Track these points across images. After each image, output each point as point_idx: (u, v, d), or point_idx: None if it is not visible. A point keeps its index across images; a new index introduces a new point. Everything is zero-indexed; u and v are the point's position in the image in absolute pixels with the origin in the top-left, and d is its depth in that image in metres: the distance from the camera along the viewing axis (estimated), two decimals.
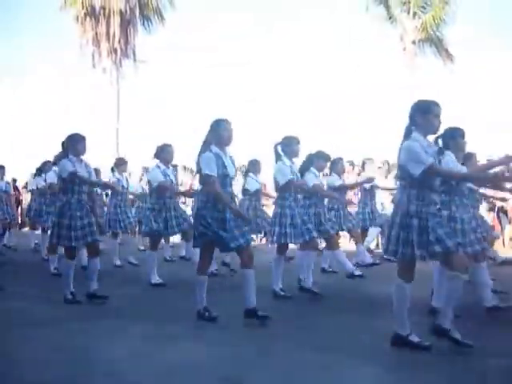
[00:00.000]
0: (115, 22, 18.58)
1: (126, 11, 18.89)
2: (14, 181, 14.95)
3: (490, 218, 9.60)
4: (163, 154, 6.31)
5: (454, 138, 4.49)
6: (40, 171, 8.55)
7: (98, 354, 3.57)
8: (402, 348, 3.55)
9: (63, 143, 5.29)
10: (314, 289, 5.53)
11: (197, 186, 7.68)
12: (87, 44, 18.95)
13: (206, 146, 4.37)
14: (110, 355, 3.52)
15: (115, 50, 18.94)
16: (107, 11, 18.56)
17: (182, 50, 32.55)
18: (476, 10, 19.26)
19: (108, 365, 3.33)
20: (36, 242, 9.45)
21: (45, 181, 8.13)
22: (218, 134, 4.35)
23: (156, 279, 6.09)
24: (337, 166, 6.92)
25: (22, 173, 14.58)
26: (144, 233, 7.14)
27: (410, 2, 17.10)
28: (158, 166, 6.32)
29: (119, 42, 18.86)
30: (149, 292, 5.76)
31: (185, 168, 11.76)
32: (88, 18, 18.61)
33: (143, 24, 19.42)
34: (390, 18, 17.58)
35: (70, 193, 5.10)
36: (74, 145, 5.16)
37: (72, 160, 5.10)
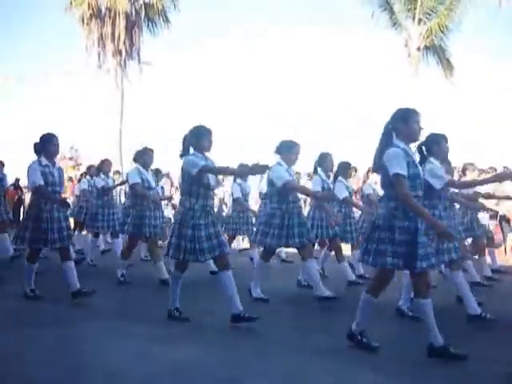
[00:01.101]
0: (120, 23, 18.66)
1: (131, 13, 18.98)
2: (18, 180, 15.00)
3: (492, 225, 9.56)
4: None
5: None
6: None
7: (98, 354, 3.56)
8: (401, 352, 3.54)
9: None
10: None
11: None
12: (93, 45, 19.05)
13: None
14: (110, 355, 3.52)
15: (120, 52, 19.02)
16: (113, 13, 18.64)
17: (187, 52, 32.74)
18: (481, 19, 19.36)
19: (108, 365, 3.33)
20: None
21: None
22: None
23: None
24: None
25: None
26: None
27: (415, 9, 17.11)
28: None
29: (124, 43, 18.94)
30: (149, 293, 5.76)
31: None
32: (94, 19, 18.70)
33: (148, 26, 19.49)
34: (395, 24, 17.61)
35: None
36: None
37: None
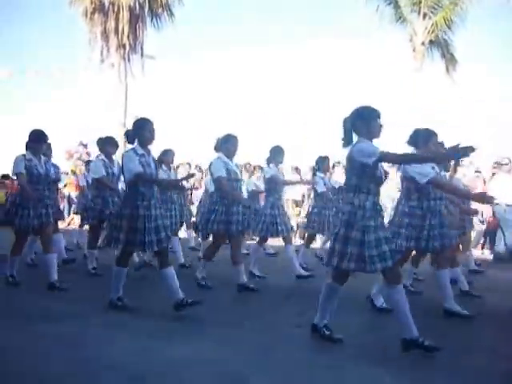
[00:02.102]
0: (124, 17, 18.61)
1: (135, 7, 18.92)
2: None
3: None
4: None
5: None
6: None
7: (99, 348, 3.56)
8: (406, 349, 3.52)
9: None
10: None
11: (209, 183, 7.76)
12: (96, 39, 19.00)
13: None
14: (112, 350, 3.52)
15: (124, 46, 18.97)
16: (116, 6, 18.58)
17: (191, 46, 32.69)
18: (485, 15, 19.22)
19: (110, 359, 3.33)
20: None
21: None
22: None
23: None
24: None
25: None
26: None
27: (420, 3, 17.00)
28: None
29: (128, 37, 18.88)
30: (150, 287, 5.75)
31: (195, 166, 11.76)
32: (97, 13, 18.64)
33: (152, 20, 19.42)
34: (400, 18, 17.50)
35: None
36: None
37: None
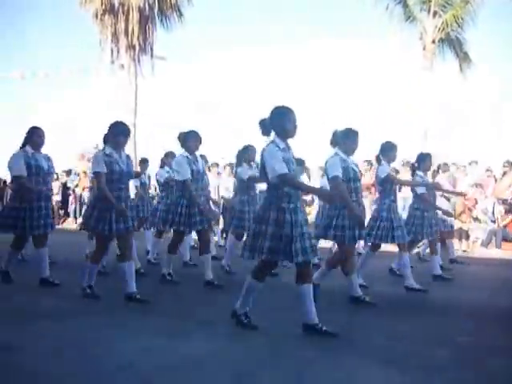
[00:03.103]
0: (134, 18, 18.68)
1: (144, 8, 18.99)
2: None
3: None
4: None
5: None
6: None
7: (110, 347, 3.58)
8: (415, 348, 3.52)
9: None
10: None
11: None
12: (106, 40, 19.09)
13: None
14: (123, 349, 3.53)
15: (133, 47, 19.04)
16: (126, 7, 18.66)
17: (200, 47, 32.74)
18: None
19: (120, 358, 3.34)
20: None
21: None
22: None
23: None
24: None
25: None
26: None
27: (430, 1, 16.89)
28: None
29: (138, 38, 18.94)
30: (160, 287, 5.78)
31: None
32: (107, 15, 18.73)
33: (161, 21, 19.48)
34: (410, 17, 17.39)
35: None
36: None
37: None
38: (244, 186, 6.76)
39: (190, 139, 5.85)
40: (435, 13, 17.00)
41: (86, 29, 19.50)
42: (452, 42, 17.46)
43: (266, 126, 3.91)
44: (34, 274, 5.69)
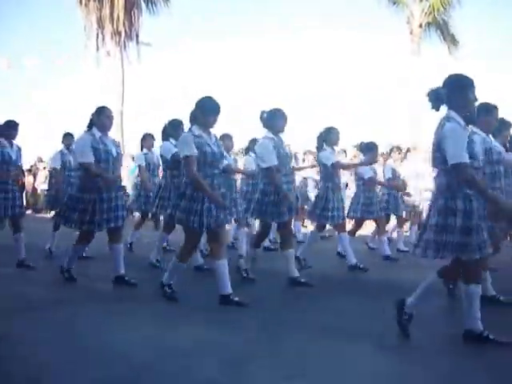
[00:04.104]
0: (119, 3, 18.42)
1: None
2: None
3: None
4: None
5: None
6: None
7: (109, 336, 3.56)
8: (416, 334, 3.53)
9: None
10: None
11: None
12: (91, 27, 18.83)
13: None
14: (121, 337, 3.52)
15: (119, 33, 18.81)
16: None
17: (187, 33, 32.45)
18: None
19: (119, 347, 3.33)
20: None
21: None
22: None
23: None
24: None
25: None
26: None
27: None
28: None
29: (123, 24, 18.71)
30: (158, 276, 5.76)
31: None
32: (92, 1, 18.45)
33: (148, 6, 19.25)
34: (395, 3, 17.36)
35: None
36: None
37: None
38: (328, 173, 6.05)
39: (277, 118, 5.11)
40: None
41: (73, 15, 19.21)
42: (439, 26, 17.49)
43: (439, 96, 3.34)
44: (41, 263, 5.62)
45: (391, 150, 8.53)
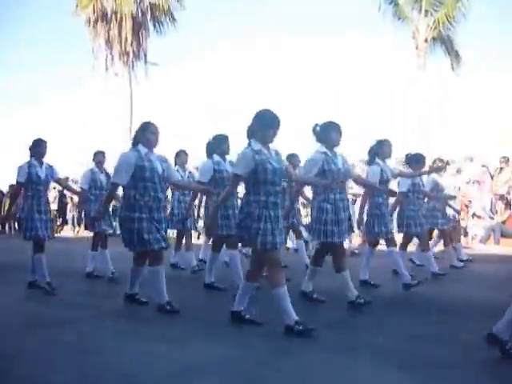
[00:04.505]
0: (127, 25, 18.69)
1: (137, 14, 19.02)
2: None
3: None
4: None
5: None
6: None
7: (110, 354, 3.54)
8: (422, 349, 3.51)
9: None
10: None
11: None
12: (100, 48, 19.10)
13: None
14: (122, 356, 3.49)
15: (127, 53, 19.06)
16: (119, 15, 18.67)
17: (194, 52, 32.79)
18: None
19: (120, 366, 3.30)
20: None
21: None
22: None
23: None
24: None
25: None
26: None
27: (421, 0, 16.97)
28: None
29: (131, 44, 18.96)
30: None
31: (197, 169, 11.72)
32: (100, 22, 18.73)
33: (155, 26, 19.51)
34: (400, 18, 17.47)
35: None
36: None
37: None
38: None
39: (331, 131, 4.78)
40: (427, 11, 17.10)
41: (80, 35, 19.52)
42: (444, 41, 17.57)
43: None
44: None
45: (433, 162, 8.50)
